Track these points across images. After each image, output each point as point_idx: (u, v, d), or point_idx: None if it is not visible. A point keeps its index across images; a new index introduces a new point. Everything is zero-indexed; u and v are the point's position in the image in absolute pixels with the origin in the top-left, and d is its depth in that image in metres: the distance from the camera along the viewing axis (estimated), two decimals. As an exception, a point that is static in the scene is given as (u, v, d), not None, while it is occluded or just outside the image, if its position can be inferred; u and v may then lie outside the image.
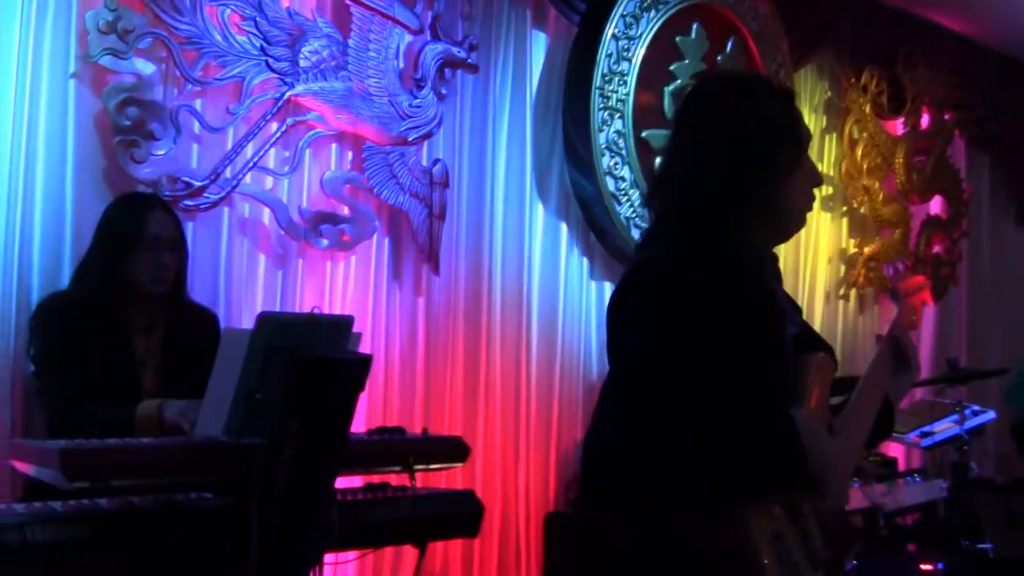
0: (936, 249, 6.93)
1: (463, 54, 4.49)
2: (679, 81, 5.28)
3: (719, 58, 5.46)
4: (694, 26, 5.35)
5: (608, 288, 5.22)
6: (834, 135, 6.36)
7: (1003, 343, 7.21)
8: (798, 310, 2.36)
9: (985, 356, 6.90)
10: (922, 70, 6.74)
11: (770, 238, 2.24)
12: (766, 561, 2.01)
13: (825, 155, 6.30)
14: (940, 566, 4.94)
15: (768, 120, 2.16)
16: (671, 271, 2.07)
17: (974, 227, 7.36)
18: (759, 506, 2.03)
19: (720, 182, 2.12)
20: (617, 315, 2.11)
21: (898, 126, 6.76)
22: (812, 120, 6.20)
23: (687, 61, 5.32)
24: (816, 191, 2.28)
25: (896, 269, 2.75)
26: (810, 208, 2.24)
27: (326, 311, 4.05)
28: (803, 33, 5.97)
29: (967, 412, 5.14)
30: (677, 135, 2.21)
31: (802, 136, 2.21)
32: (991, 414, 5.42)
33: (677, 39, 5.30)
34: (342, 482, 3.19)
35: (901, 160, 6.63)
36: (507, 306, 4.78)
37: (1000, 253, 7.68)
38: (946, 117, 7.03)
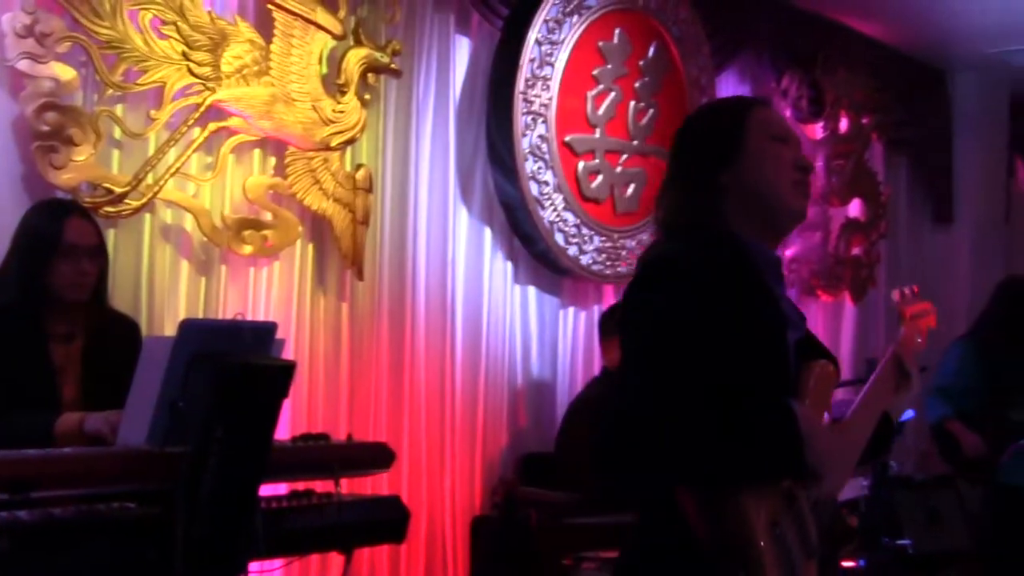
0: (855, 251, 7.05)
1: (386, 59, 4.49)
2: (601, 86, 5.32)
3: (641, 63, 5.50)
4: (616, 31, 5.39)
5: (532, 292, 5.25)
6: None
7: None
8: (802, 317, 2.44)
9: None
10: (841, 74, 6.85)
11: (769, 235, 2.36)
12: (762, 544, 2.09)
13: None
14: (861, 563, 5.02)
15: (710, 125, 2.37)
16: (681, 265, 2.20)
17: (892, 229, 7.49)
18: (758, 491, 2.11)
19: (698, 189, 2.30)
20: (629, 307, 2.22)
21: (817, 130, 6.85)
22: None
23: (610, 66, 5.36)
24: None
25: (903, 293, 2.81)
26: (794, 193, 2.34)
27: (250, 318, 4.04)
28: (725, 38, 6.04)
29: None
30: (669, 160, 2.41)
31: (758, 127, 2.35)
32: (910, 413, 5.51)
33: (600, 44, 5.33)
34: (267, 490, 3.18)
35: (821, 164, 6.73)
36: (431, 311, 4.79)
37: (918, 254, 7.83)
38: (864, 121, 7.14)
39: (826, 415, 2.38)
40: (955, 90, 7.87)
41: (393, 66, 4.53)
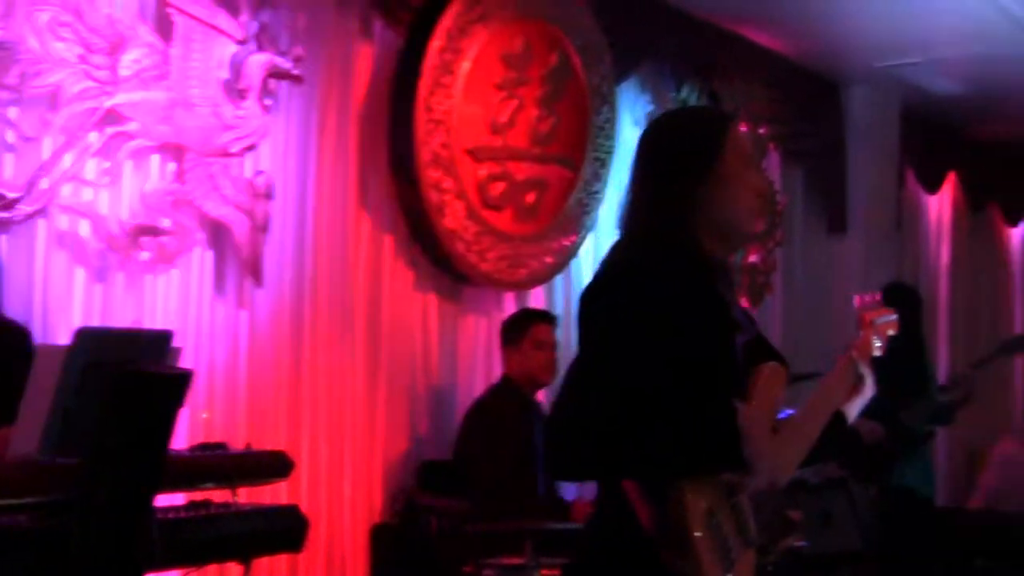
0: (752, 259, 7.16)
1: (288, 65, 4.46)
2: (504, 94, 5.35)
3: (543, 72, 5.54)
4: (520, 40, 5.41)
5: (433, 300, 5.25)
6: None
7: (816, 348, 7.47)
8: (751, 321, 2.59)
9: (799, 361, 7.12)
10: (739, 85, 6.95)
11: (723, 249, 2.50)
12: (697, 533, 2.21)
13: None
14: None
15: (689, 141, 2.47)
16: (640, 271, 2.36)
17: (788, 237, 7.63)
18: (697, 482, 2.25)
19: (668, 197, 2.42)
20: (586, 308, 2.37)
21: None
22: (634, 133, 6.33)
23: (512, 74, 5.39)
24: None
25: (864, 299, 2.91)
26: (752, 219, 2.49)
27: (147, 326, 3.99)
28: (626, 47, 6.09)
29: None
30: (633, 163, 2.52)
31: (733, 150, 2.47)
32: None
33: (503, 53, 5.35)
34: (164, 500, 3.15)
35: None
36: (331, 319, 4.77)
37: (812, 262, 7.98)
38: (761, 131, 7.26)
39: (775, 413, 2.51)
40: (848, 102, 8.03)
41: (295, 72, 4.50)
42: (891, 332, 2.86)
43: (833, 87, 7.93)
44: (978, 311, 9.89)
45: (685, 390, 2.27)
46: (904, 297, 6.27)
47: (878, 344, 2.79)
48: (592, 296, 2.39)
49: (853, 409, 2.73)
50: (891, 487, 5.88)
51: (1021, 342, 6.50)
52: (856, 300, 2.90)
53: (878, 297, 2.92)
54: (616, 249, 2.48)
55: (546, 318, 5.16)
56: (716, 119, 2.58)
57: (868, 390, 2.72)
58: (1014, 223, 10.77)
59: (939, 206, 9.58)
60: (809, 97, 7.64)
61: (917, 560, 6.39)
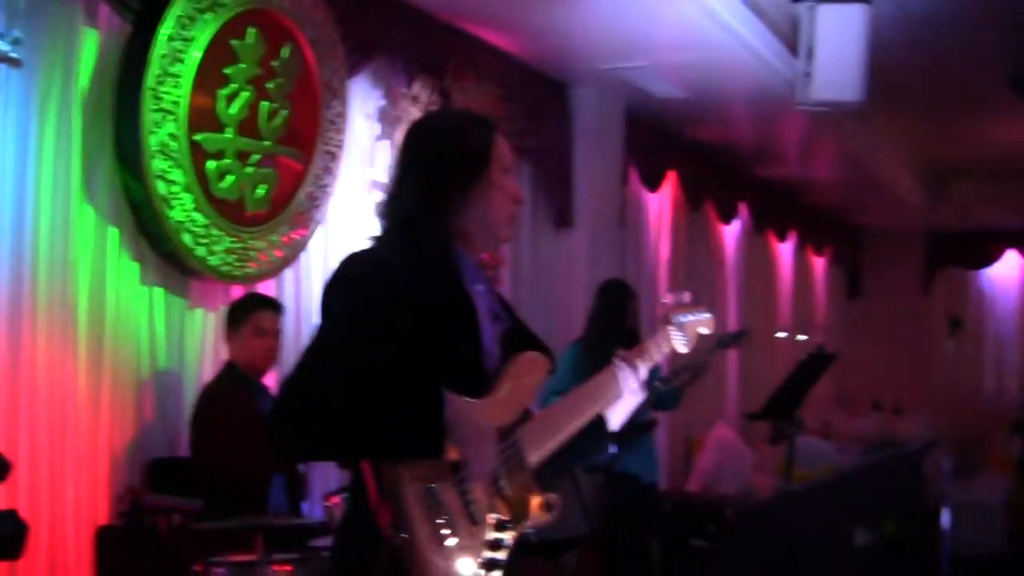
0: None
1: (6, 48, 4.27)
2: (234, 85, 5.26)
3: (275, 63, 5.48)
4: (250, 30, 5.34)
5: (160, 294, 5.12)
6: (388, 142, 6.54)
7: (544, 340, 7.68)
8: (508, 310, 2.73)
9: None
10: (470, 82, 7.05)
11: (481, 244, 2.67)
12: (409, 504, 2.35)
13: (378, 162, 6.47)
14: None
15: (464, 147, 2.59)
16: (374, 262, 2.49)
17: (516, 233, 7.79)
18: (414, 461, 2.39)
19: (434, 198, 2.55)
20: (327, 294, 2.50)
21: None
22: (366, 128, 6.35)
23: (243, 65, 5.31)
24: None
25: (672, 299, 2.96)
26: (508, 224, 2.68)
27: None
28: (358, 41, 6.09)
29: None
30: (401, 160, 2.66)
31: (498, 160, 2.62)
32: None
33: (233, 42, 5.26)
34: None
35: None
36: (52, 314, 4.58)
37: (540, 256, 8.18)
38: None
39: (528, 399, 2.62)
40: (575, 102, 8.28)
41: (13, 56, 4.31)
42: (703, 331, 2.98)
43: (561, 87, 8.16)
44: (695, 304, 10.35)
45: (400, 380, 2.39)
46: (616, 291, 6.56)
47: (683, 342, 2.92)
48: (335, 284, 2.49)
49: (616, 412, 2.84)
50: (615, 474, 6.11)
51: (737, 337, 6.86)
52: (666, 298, 3.01)
53: (688, 297, 3.04)
54: (374, 240, 2.59)
55: (269, 305, 5.13)
56: (485, 127, 2.68)
57: (633, 395, 2.83)
58: (727, 221, 11.35)
59: (660, 204, 9.99)
60: (538, 96, 7.83)
61: (638, 542, 6.67)
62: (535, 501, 2.62)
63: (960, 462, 9.46)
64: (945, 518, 6.74)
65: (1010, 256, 16.28)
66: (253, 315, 5.02)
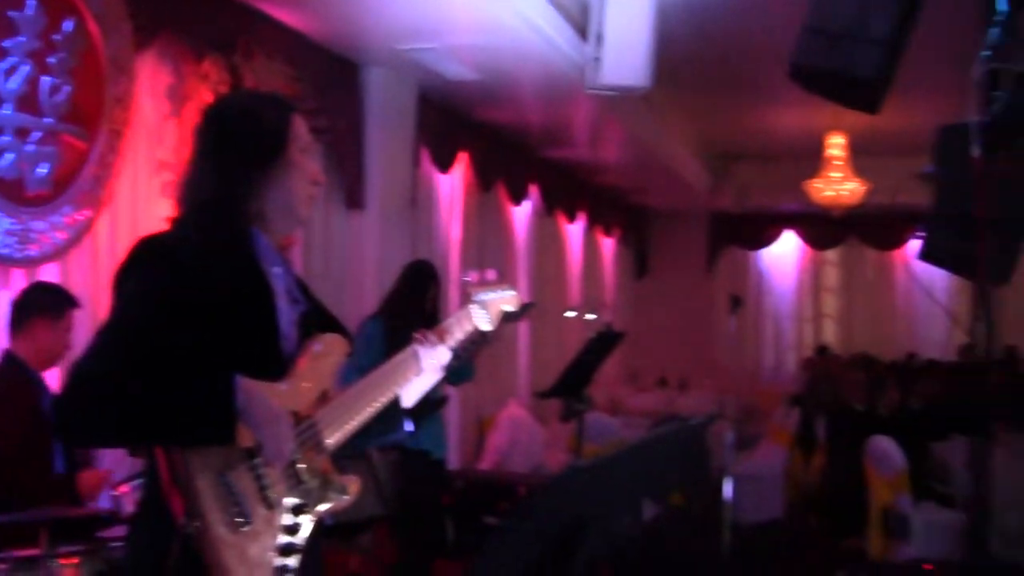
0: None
1: None
2: (13, 59, 5.06)
3: (56, 37, 5.29)
4: (30, 1, 5.14)
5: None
6: (176, 121, 6.39)
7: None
8: (306, 291, 2.74)
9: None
10: (260, 61, 6.94)
11: (280, 226, 2.65)
12: (201, 491, 2.33)
13: (167, 140, 6.32)
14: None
15: (262, 129, 2.58)
16: (166, 248, 2.46)
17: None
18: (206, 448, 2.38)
19: (233, 180, 2.53)
20: (118, 279, 2.47)
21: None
22: (154, 106, 6.20)
23: (23, 38, 5.11)
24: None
25: (477, 276, 2.97)
26: (307, 205, 2.67)
27: None
28: (146, 17, 5.93)
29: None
30: (197, 142, 2.62)
31: (296, 141, 2.61)
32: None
33: (11, 14, 5.06)
34: None
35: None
36: None
37: (331, 237, 8.13)
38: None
39: (327, 380, 2.61)
40: (368, 83, 8.25)
41: None
42: (506, 308, 3.01)
43: (353, 67, 8.11)
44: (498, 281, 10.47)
45: (191, 365, 2.38)
46: (421, 272, 6.58)
47: (486, 319, 2.96)
48: (128, 267, 2.45)
49: (413, 389, 2.87)
50: (407, 450, 6.13)
51: (523, 309, 6.92)
52: (470, 276, 3.03)
53: (492, 274, 3.07)
54: (169, 222, 2.56)
55: (58, 297, 4.88)
56: (283, 108, 2.67)
57: (433, 373, 2.87)
58: (518, 202, 11.49)
59: (451, 185, 10.05)
60: (329, 76, 7.77)
61: (432, 520, 6.72)
62: (333, 484, 2.63)
63: (741, 435, 9.87)
64: (727, 488, 7.00)
65: (788, 236, 16.97)
66: (39, 309, 4.76)
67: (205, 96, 6.47)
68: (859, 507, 8.48)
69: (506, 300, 3.06)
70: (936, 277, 12.58)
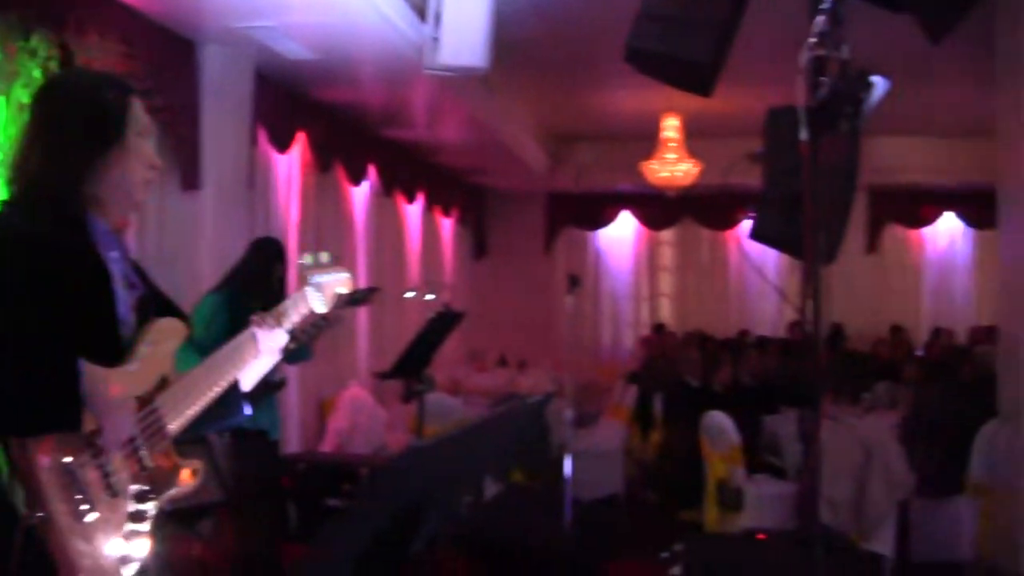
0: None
1: None
2: None
3: None
4: None
5: None
6: (2, 99, 6.20)
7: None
8: (143, 275, 2.71)
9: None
10: (93, 38, 6.77)
11: (116, 210, 2.60)
12: (43, 480, 2.28)
13: (-7, 119, 6.12)
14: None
15: (98, 110, 2.52)
16: (9, 230, 2.41)
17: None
18: (47, 436, 2.32)
19: (67, 162, 2.47)
20: None
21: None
22: (-22, 83, 6.00)
23: None
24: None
25: (314, 257, 2.94)
26: (144, 189, 2.63)
27: None
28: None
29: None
30: (31, 122, 2.55)
31: (133, 123, 2.57)
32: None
33: None
34: None
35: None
36: None
37: (166, 219, 7.98)
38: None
39: (165, 365, 2.58)
40: (203, 61, 8.09)
41: None
42: (341, 290, 3.00)
43: (188, 45, 7.96)
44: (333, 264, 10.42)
45: (31, 352, 2.32)
46: (267, 248, 6.53)
47: (322, 301, 2.94)
48: None
49: (251, 372, 2.86)
50: (244, 432, 6.06)
51: (367, 293, 6.93)
52: (305, 258, 3.02)
53: (327, 257, 3.06)
54: (1, 206, 2.51)
55: None
56: (120, 89, 2.61)
57: (271, 355, 2.85)
58: (356, 182, 11.45)
59: (289, 165, 9.96)
60: (164, 54, 7.61)
61: (273, 503, 6.67)
62: (177, 469, 2.60)
63: (580, 412, 10.01)
64: (567, 465, 7.11)
65: (625, 217, 17.24)
66: None
67: (34, 73, 6.28)
68: (695, 481, 8.70)
69: (340, 282, 3.06)
70: (767, 257, 13.00)
